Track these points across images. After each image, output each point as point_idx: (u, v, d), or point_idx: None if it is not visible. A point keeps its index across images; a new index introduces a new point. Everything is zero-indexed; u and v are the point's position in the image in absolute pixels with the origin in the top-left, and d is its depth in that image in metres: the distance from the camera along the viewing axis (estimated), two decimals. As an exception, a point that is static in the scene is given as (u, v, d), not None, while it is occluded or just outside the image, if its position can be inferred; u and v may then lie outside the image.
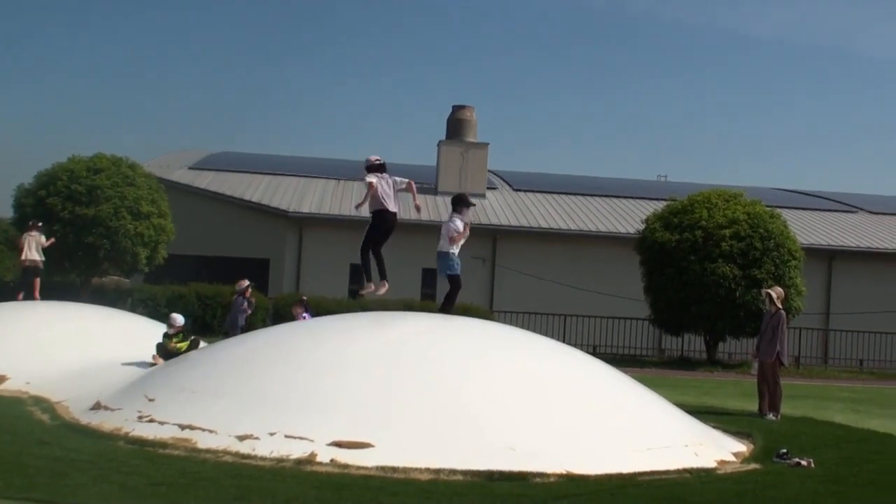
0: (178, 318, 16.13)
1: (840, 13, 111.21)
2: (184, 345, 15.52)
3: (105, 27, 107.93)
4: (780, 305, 16.86)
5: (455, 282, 13.21)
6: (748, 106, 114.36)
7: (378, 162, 13.47)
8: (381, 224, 13.31)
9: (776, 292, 17.12)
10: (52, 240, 23.33)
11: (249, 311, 20.86)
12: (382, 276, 13.53)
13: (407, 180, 13.50)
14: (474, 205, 13.19)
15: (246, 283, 20.92)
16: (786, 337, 16.75)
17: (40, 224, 23.28)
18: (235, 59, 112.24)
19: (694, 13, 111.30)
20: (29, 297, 21.10)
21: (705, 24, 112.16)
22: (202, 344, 15.98)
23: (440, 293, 33.80)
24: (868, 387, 26.63)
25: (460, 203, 13.31)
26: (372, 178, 13.27)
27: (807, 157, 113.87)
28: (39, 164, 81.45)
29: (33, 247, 22.21)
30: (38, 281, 22.03)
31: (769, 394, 16.28)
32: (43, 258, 22.35)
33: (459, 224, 13.09)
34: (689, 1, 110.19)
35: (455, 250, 13.15)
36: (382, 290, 13.52)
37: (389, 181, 13.37)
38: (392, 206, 13.27)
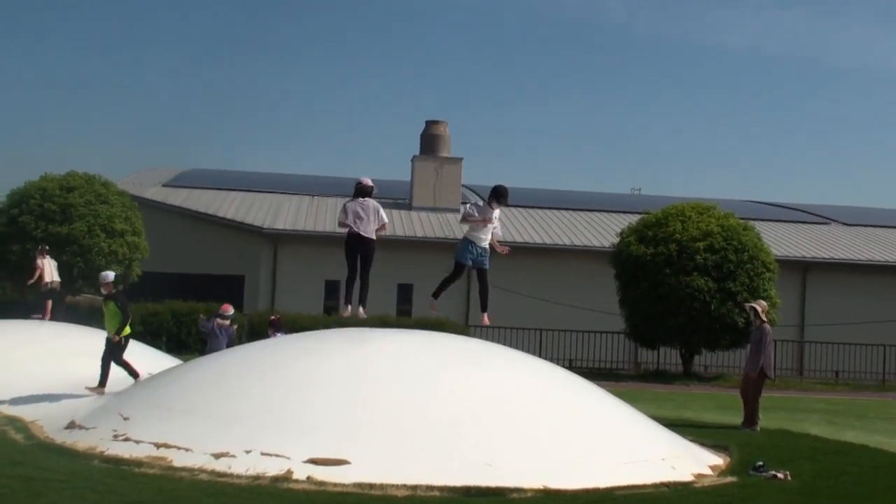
0: (108, 275, 15.02)
1: (811, 23, 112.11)
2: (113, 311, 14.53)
3: (74, 44, 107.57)
4: (764, 318, 16.98)
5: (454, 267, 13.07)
6: (721, 118, 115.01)
7: (360, 185, 13.38)
8: (350, 245, 13.25)
9: (760, 306, 17.29)
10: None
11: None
12: (360, 302, 13.45)
13: (384, 222, 13.33)
14: (503, 198, 12.78)
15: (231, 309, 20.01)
16: (771, 350, 16.84)
17: (48, 248, 23.31)
18: (207, 75, 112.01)
19: (667, 26, 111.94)
20: (42, 318, 20.94)
21: (678, 36, 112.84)
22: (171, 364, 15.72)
23: (416, 309, 33.94)
24: (844, 398, 26.76)
25: (492, 194, 12.79)
26: (345, 204, 13.28)
27: (779, 168, 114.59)
28: (11, 182, 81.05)
29: (53, 268, 22.28)
30: (50, 303, 21.93)
31: (749, 406, 16.39)
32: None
33: (467, 207, 12.83)
34: (663, 14, 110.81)
35: (471, 236, 12.81)
36: (359, 316, 13.42)
37: (369, 206, 13.25)
38: (362, 230, 13.13)
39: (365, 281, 13.34)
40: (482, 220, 12.68)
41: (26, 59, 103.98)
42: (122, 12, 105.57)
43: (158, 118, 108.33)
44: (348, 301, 13.48)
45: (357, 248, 13.20)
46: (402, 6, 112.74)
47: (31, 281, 22.36)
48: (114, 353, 14.45)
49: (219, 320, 19.18)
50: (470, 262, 12.85)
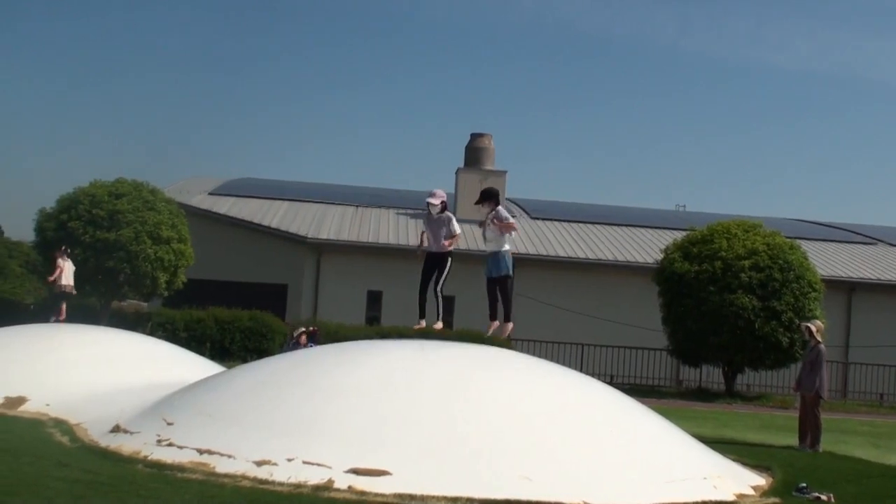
0: None
1: (862, 44, 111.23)
2: None
3: (127, 56, 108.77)
4: (819, 339, 16.87)
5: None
6: (768, 136, 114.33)
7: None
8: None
9: (816, 326, 17.22)
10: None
11: None
12: (437, 316, 13.32)
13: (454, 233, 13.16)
14: (486, 199, 12.94)
15: (302, 329, 20.77)
16: (826, 371, 16.74)
17: (68, 250, 23.55)
18: (255, 86, 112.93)
19: (716, 45, 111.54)
20: (57, 320, 21.25)
21: (728, 55, 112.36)
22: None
23: (458, 321, 33.92)
24: (888, 421, 26.46)
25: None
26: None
27: (826, 187, 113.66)
28: (61, 188, 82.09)
29: (70, 273, 22.52)
30: (65, 305, 22.23)
31: (810, 428, 16.30)
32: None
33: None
34: (712, 33, 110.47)
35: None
36: (437, 327, 13.25)
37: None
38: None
39: (436, 293, 13.23)
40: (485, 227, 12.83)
41: (78, 72, 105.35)
42: (170, 23, 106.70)
43: (207, 127, 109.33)
44: (422, 315, 13.35)
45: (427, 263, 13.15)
46: (450, 20, 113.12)
47: (52, 278, 22.64)
48: None
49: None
50: (487, 274, 12.87)
